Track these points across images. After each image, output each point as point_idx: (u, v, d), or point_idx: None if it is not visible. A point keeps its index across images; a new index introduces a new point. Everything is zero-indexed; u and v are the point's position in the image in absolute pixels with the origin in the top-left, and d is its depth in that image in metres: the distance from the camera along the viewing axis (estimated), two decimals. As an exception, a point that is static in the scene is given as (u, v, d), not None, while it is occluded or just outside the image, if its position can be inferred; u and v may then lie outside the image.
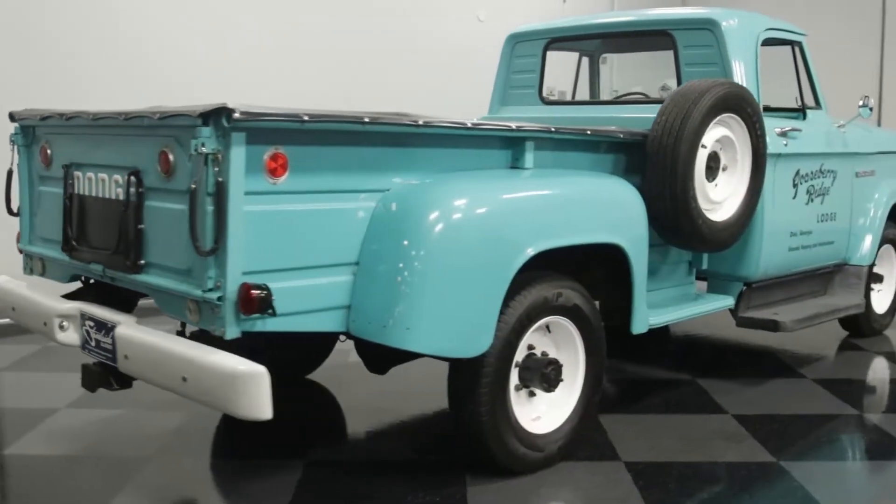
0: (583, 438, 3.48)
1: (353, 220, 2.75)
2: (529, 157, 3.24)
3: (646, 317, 3.55)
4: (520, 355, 3.17)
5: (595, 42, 5.26)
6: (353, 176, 2.75)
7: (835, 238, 4.84)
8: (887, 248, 5.45)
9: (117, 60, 5.73)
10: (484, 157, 3.17)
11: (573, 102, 5.13)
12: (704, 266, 4.25)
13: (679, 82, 4.38)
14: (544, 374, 3.16)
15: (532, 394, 3.23)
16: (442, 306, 2.72)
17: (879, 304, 5.49)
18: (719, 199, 3.83)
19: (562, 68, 5.47)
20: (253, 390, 2.32)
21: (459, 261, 2.76)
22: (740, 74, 4.22)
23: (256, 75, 6.35)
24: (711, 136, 3.72)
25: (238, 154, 2.39)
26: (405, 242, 2.70)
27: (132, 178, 2.74)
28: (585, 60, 5.53)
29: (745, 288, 4.34)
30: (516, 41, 5.06)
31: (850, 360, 4.98)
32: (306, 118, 2.48)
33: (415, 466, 3.29)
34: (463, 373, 2.99)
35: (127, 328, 2.75)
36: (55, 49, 5.47)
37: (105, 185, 2.94)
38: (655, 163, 3.59)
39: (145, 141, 2.72)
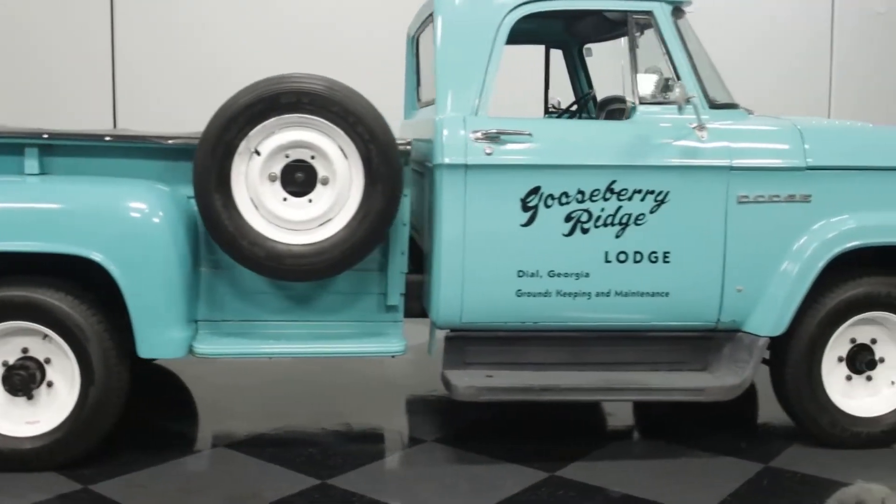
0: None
1: None
2: (32, 164, 3.24)
3: (171, 341, 3.18)
4: (12, 356, 3.25)
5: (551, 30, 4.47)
6: None
7: (674, 289, 3.36)
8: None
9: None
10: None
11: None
12: (392, 301, 3.46)
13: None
14: (6, 378, 3.20)
15: (31, 397, 3.26)
16: None
17: (873, 400, 3.56)
18: (305, 217, 3.17)
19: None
20: None
21: None
22: (454, 67, 3.35)
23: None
24: (274, 142, 3.12)
25: None
26: None
27: None
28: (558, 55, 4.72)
29: (445, 335, 3.41)
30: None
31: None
32: None
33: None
34: None
35: None
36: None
37: None
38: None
39: None
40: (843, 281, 3.46)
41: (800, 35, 7.16)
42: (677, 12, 3.49)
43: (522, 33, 4.42)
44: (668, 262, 3.33)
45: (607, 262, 3.31)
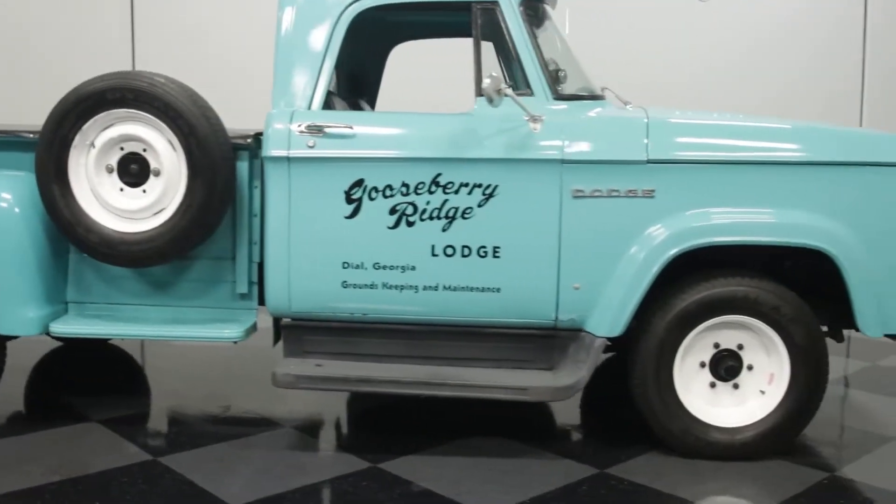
0: None
1: None
2: (-85, 158, 3.60)
3: (25, 320, 3.41)
4: None
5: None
6: None
7: (505, 285, 3.29)
8: (761, 327, 3.28)
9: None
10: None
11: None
12: (241, 289, 3.57)
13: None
14: None
15: None
16: None
17: (738, 409, 3.34)
18: (139, 207, 3.35)
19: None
20: None
21: None
22: (290, 60, 3.42)
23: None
24: (107, 135, 3.31)
25: None
26: None
27: None
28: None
29: (283, 324, 3.48)
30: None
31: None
32: None
33: None
34: None
35: None
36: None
37: None
38: (39, 167, 3.43)
39: None
40: (697, 282, 3.26)
41: (829, 22, 6.68)
42: (529, 1, 3.39)
43: (451, 26, 4.43)
44: (497, 257, 3.26)
45: (434, 255, 3.28)
